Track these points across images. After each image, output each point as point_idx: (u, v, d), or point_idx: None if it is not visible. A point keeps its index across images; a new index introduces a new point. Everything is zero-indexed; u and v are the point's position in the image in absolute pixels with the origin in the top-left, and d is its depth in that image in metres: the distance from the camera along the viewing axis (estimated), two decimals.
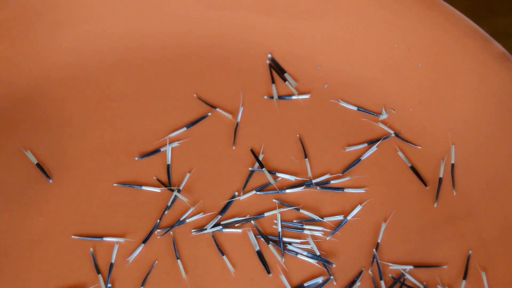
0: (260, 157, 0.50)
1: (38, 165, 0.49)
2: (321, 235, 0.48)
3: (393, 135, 0.51)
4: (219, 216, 0.48)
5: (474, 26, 0.50)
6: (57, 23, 0.52)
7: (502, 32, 0.58)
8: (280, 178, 0.49)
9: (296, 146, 0.50)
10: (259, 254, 0.47)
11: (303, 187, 0.49)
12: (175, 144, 0.50)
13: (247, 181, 0.49)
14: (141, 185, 0.49)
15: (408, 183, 0.49)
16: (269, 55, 0.53)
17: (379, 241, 0.47)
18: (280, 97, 0.52)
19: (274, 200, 0.49)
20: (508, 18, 0.58)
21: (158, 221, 0.48)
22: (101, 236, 0.47)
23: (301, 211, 0.48)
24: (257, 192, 0.49)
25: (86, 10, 0.52)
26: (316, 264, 0.47)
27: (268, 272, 0.47)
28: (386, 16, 0.52)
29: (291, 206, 0.48)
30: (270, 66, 0.53)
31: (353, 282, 0.46)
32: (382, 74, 0.52)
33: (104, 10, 0.52)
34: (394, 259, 0.47)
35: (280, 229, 0.48)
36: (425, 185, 0.49)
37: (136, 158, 0.50)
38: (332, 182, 0.49)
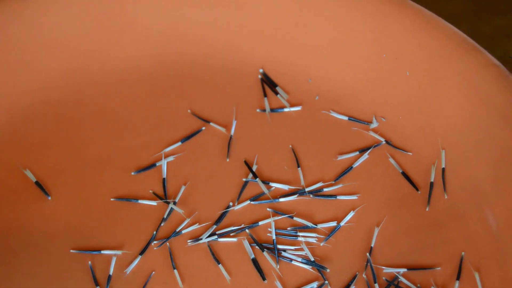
0: (254, 168, 0.51)
1: (37, 183, 0.50)
2: (315, 241, 0.48)
3: (384, 142, 0.52)
4: (215, 226, 0.49)
5: (460, 33, 0.51)
6: (54, 44, 0.53)
7: (502, 32, 0.58)
8: (273, 187, 0.50)
9: (289, 156, 0.51)
10: (254, 261, 0.48)
11: (296, 196, 0.50)
12: (171, 159, 0.51)
13: (241, 192, 0.50)
14: (137, 199, 0.50)
15: (400, 188, 0.50)
16: (261, 70, 0.54)
17: (372, 245, 0.48)
18: (272, 110, 0.53)
19: (268, 209, 0.50)
20: (508, 18, 0.58)
21: (155, 233, 0.49)
22: (99, 249, 0.48)
23: (294, 218, 0.49)
24: (252, 202, 0.50)
25: (81, 32, 0.53)
26: (311, 270, 0.48)
27: (264, 279, 0.47)
28: (373, 27, 0.53)
29: (285, 214, 0.49)
30: (262, 80, 0.54)
31: (348, 286, 0.47)
32: (371, 84, 0.53)
33: (98, 32, 0.54)
34: (388, 262, 0.48)
35: (274, 237, 0.48)
36: (417, 189, 0.50)
37: (133, 173, 0.51)
38: (325, 189, 0.50)
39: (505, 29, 0.57)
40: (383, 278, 0.47)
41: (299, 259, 0.48)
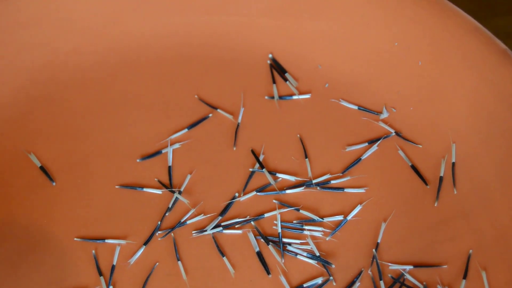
0: (261, 158, 0.50)
1: (42, 168, 0.50)
2: (320, 235, 0.48)
3: (394, 134, 0.51)
4: (220, 217, 0.48)
5: (475, 23, 0.50)
6: (59, 26, 0.52)
7: (502, 32, 0.57)
8: (280, 178, 0.50)
9: (297, 146, 0.51)
10: (259, 255, 0.47)
11: (303, 188, 0.49)
12: (176, 146, 0.50)
13: (247, 182, 0.49)
14: (142, 187, 0.49)
15: (409, 182, 0.49)
16: (270, 55, 0.53)
17: (379, 241, 0.48)
18: (280, 97, 0.52)
19: (274, 200, 0.49)
20: (508, 18, 0.58)
21: (159, 223, 0.48)
22: (103, 238, 0.48)
23: (301, 211, 0.48)
24: (258, 193, 0.49)
25: (87, 13, 0.52)
26: (316, 265, 0.47)
27: (268, 273, 0.47)
28: (386, 15, 0.51)
29: (291, 207, 0.49)
30: (271, 66, 0.53)
31: (353, 282, 0.47)
32: (382, 73, 0.52)
33: (106, 12, 0.53)
34: (394, 259, 0.47)
35: (280, 230, 0.48)
36: (426, 184, 0.49)
37: (138, 160, 0.50)
38: (332, 182, 0.49)
39: (505, 29, 0.57)
40: (389, 275, 0.47)
41: (304, 254, 0.47)
